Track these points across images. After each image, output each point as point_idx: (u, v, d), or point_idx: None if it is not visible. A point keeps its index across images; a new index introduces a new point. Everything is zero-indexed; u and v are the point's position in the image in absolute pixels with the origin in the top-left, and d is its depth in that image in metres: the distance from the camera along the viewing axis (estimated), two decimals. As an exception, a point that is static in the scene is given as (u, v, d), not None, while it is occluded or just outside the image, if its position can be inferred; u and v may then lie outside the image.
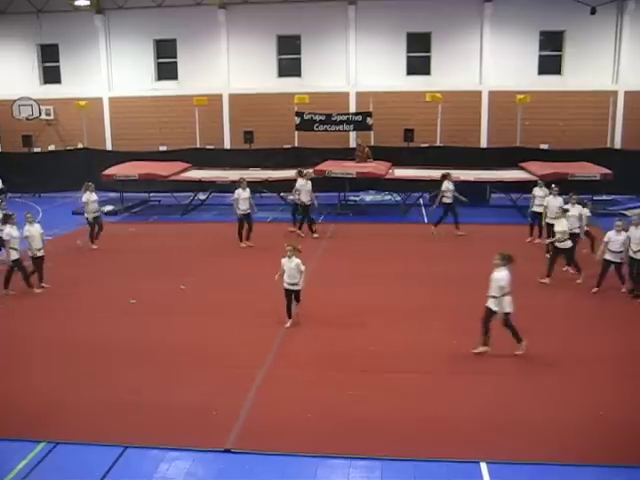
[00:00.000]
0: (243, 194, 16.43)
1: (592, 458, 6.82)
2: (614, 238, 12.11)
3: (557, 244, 12.82)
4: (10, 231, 12.72)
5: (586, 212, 14.32)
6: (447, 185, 17.63)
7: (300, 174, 18.00)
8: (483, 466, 6.69)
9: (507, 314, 9.23)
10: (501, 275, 9.15)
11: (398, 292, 12.59)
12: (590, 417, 7.65)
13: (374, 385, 8.58)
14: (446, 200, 17.64)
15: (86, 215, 16.50)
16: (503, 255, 9.26)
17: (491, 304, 9.30)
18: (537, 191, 16.46)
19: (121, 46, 27.24)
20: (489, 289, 9.24)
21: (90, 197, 16.51)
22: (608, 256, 12.19)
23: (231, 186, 22.74)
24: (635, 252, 11.79)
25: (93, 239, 16.42)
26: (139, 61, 27.32)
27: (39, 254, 12.90)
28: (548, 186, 16.18)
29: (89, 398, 8.24)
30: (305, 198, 17.34)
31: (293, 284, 10.34)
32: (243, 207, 16.37)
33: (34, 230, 12.96)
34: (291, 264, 10.26)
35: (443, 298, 12.15)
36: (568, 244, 12.76)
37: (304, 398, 8.21)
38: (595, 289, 12.28)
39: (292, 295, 10.48)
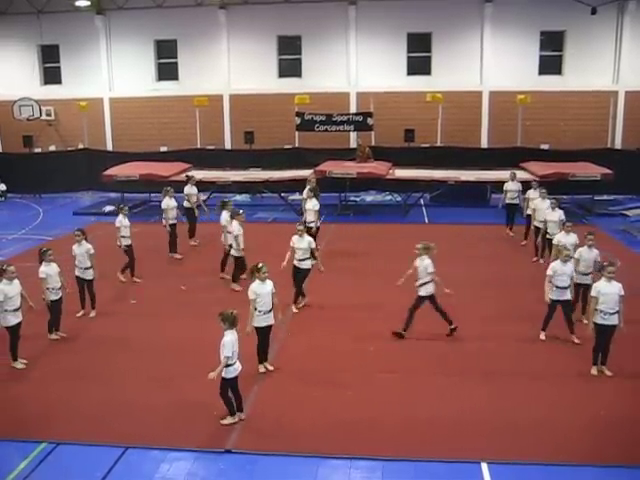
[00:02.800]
0: (307, 204, 14.56)
1: (592, 458, 6.83)
2: (561, 270, 9.71)
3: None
4: (227, 216, 13.01)
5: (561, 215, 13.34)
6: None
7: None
8: (484, 466, 6.70)
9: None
10: None
11: (399, 292, 12.56)
12: (590, 417, 7.65)
13: (374, 385, 8.60)
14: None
15: (164, 223, 15.30)
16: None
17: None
18: (510, 185, 17.01)
19: (122, 47, 27.24)
20: None
21: (170, 203, 15.26)
22: (555, 295, 9.75)
23: (232, 186, 22.88)
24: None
25: (174, 247, 15.41)
26: (140, 61, 27.32)
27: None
28: (526, 184, 16.41)
29: (90, 398, 8.26)
30: (310, 217, 14.56)
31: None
32: (308, 219, 14.34)
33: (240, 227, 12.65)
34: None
35: (443, 298, 12.12)
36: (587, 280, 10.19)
37: (304, 398, 8.22)
38: (542, 335, 10.12)
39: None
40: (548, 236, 13.69)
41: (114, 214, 21.20)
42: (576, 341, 9.76)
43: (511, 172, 17.38)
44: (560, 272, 9.65)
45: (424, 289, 10.10)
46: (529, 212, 15.83)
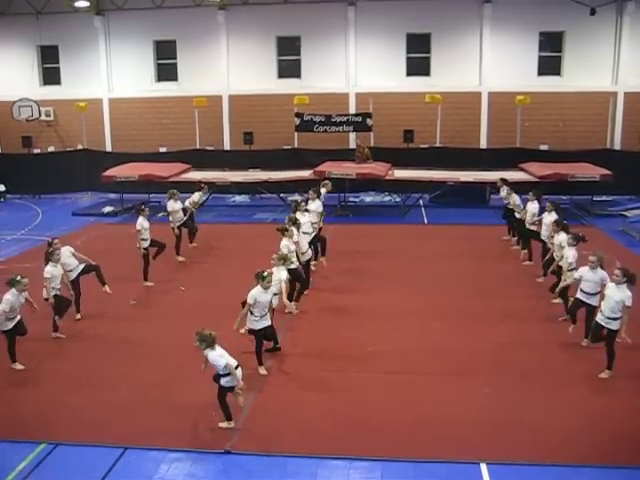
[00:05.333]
0: (311, 205, 14.05)
1: (591, 459, 6.83)
2: (587, 276, 9.39)
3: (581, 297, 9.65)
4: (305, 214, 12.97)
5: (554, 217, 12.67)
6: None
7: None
8: (483, 467, 6.70)
9: None
10: None
11: (397, 293, 12.59)
12: (589, 418, 7.65)
13: (373, 386, 8.59)
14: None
15: (172, 225, 15.09)
16: None
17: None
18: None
19: (121, 47, 27.23)
20: None
21: (175, 206, 15.09)
22: (581, 295, 9.59)
23: (231, 187, 22.89)
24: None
25: (179, 250, 15.10)
26: (139, 62, 27.30)
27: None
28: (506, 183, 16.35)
29: (89, 399, 8.26)
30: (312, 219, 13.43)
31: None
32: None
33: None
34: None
35: (442, 299, 12.15)
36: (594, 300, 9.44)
37: (303, 399, 8.22)
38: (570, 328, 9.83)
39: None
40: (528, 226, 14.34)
41: (113, 215, 21.43)
42: (583, 344, 9.68)
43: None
44: (586, 278, 9.37)
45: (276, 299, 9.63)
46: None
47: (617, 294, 8.46)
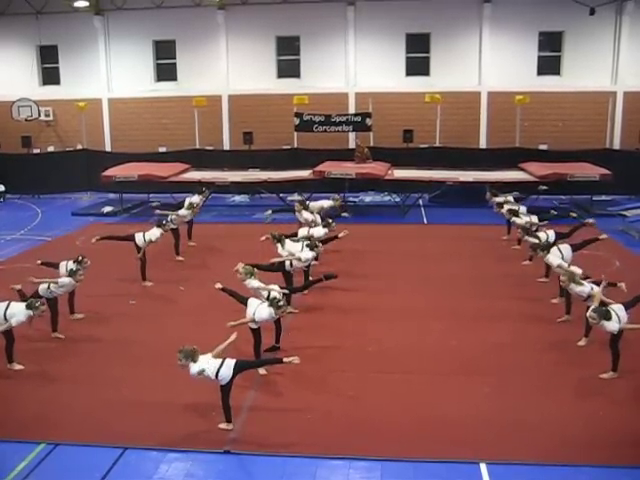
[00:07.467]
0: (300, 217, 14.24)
1: (591, 458, 6.83)
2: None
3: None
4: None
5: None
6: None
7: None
8: (483, 467, 6.70)
9: None
10: None
11: (396, 293, 12.59)
12: (588, 418, 7.65)
13: (373, 386, 8.59)
14: None
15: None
16: None
17: None
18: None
19: (120, 47, 27.20)
20: None
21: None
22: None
23: (230, 187, 22.87)
24: None
25: (178, 250, 15.28)
26: (138, 62, 27.28)
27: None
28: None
29: (89, 399, 8.26)
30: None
31: None
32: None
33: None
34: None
35: (442, 299, 12.15)
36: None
37: (303, 399, 8.21)
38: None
39: None
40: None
41: (113, 215, 21.42)
42: (580, 343, 9.72)
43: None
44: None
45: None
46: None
47: (603, 328, 8.39)
